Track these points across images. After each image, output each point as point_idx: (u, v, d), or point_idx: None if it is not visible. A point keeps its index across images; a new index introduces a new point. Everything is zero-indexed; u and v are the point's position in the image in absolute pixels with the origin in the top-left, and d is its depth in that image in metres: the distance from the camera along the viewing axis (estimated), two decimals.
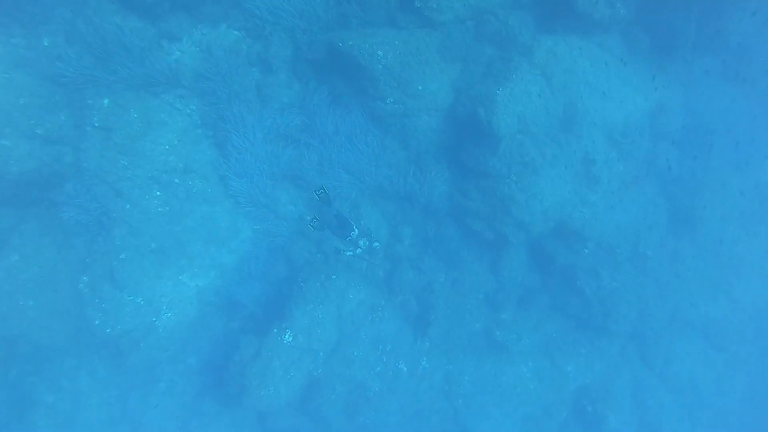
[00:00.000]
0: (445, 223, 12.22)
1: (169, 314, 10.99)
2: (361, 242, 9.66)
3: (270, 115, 10.91)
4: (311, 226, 9.66)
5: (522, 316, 13.00)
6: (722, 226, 14.65)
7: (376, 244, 10.02)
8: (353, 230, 9.56)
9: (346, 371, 11.50)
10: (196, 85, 10.61)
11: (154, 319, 10.88)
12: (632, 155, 13.10)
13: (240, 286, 11.63)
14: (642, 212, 13.52)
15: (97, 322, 10.55)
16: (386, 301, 12.04)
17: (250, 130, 10.73)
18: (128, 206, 10.36)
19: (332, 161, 11.27)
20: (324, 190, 9.65)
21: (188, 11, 10.55)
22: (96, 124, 10.17)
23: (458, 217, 12.21)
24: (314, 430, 11.98)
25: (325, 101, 11.10)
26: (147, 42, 10.31)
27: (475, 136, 11.38)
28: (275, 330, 11.01)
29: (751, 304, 15.62)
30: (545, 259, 12.93)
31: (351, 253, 9.84)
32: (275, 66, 10.80)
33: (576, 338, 13.62)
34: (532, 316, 13.06)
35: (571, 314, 13.39)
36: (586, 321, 13.39)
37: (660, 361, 14.73)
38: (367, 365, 11.71)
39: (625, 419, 14.07)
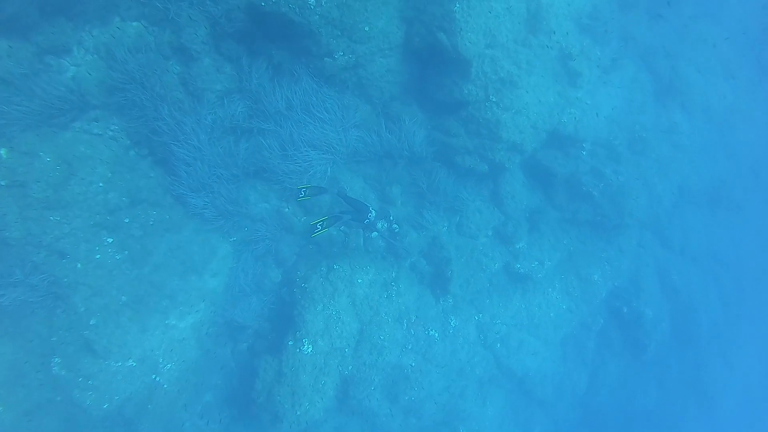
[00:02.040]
0: (434, 169, 11.28)
1: (169, 365, 9.92)
2: (379, 225, 8.89)
3: (208, 111, 9.38)
4: (319, 227, 8.74)
5: (537, 240, 12.55)
6: (706, 82, 14.33)
7: (396, 226, 9.25)
8: (370, 212, 8.99)
9: (378, 359, 10.81)
10: (110, 100, 8.90)
11: (153, 376, 9.80)
12: (606, 36, 12.36)
13: (236, 307, 10.58)
14: (628, 94, 12.98)
15: (88, 402, 9.34)
16: (397, 272, 11.25)
17: (191, 135, 9.22)
18: (79, 265, 8.93)
19: (294, 141, 9.98)
20: (306, 188, 8.78)
21: (65, 13, 8.62)
22: (2, 183, 8.48)
23: (446, 159, 11.31)
24: (361, 425, 11.48)
25: (266, 76, 9.63)
26: (27, 65, 8.45)
27: (441, 65, 10.31)
28: (290, 342, 10.15)
29: (748, 155, 15.70)
30: (545, 174, 12.32)
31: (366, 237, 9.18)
32: (195, 51, 9.10)
33: (595, 244, 13.35)
34: (546, 236, 12.63)
35: (583, 222, 13.01)
36: (600, 224, 13.07)
37: (678, 238, 14.78)
38: (397, 345, 11.04)
39: (660, 308, 14.19)
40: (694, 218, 15.01)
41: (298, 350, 10.10)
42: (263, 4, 8.88)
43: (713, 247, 15.43)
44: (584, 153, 12.27)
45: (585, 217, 12.86)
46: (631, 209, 12.88)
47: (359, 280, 10.74)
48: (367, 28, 9.70)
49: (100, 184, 8.95)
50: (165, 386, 9.98)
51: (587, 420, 14.88)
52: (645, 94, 13.24)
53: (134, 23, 8.98)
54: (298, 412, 10.04)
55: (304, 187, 9.27)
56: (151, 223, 9.51)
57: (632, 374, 14.77)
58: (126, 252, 9.32)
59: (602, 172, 12.43)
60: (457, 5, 9.70)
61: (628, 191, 12.79)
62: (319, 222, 8.94)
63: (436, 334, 11.58)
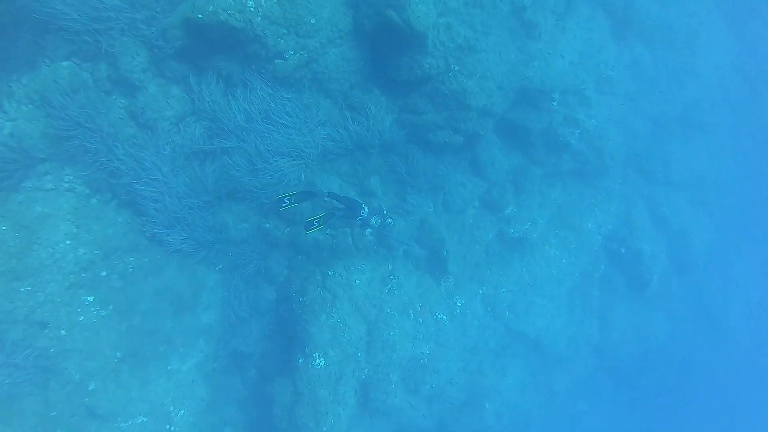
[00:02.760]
0: (409, 152, 10.99)
1: (182, 411, 9.61)
2: (372, 220, 8.84)
3: (165, 140, 8.86)
4: (311, 226, 8.88)
5: (525, 200, 12.50)
6: (662, 7, 14.33)
7: (390, 220, 9.13)
8: (363, 209, 8.96)
9: (391, 355, 10.68)
10: (58, 150, 8.35)
11: (168, 426, 9.49)
12: None
13: (236, 336, 10.30)
14: (587, 36, 12.83)
15: None
16: (392, 264, 11.07)
17: (153, 170, 8.73)
18: (63, 332, 8.47)
19: (261, 153, 9.54)
20: (287, 198, 8.85)
21: None
22: None
23: (419, 139, 11.00)
24: (387, 423, 11.38)
25: (218, 91, 9.13)
26: None
27: (396, 44, 9.93)
28: (300, 360, 9.96)
29: (714, 73, 15.87)
30: (520, 132, 12.17)
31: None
32: (137, 80, 8.54)
33: (582, 192, 13.38)
34: (533, 195, 12.60)
35: (567, 172, 13.00)
36: (583, 171, 13.09)
37: (660, 170, 14.95)
38: (407, 337, 10.91)
39: (655, 242, 14.37)
40: (672, 147, 15.15)
41: (310, 366, 9.91)
42: (200, 15, 8.34)
43: (694, 171, 15.63)
44: (555, 104, 12.12)
45: (567, 167, 12.82)
46: (611, 150, 12.91)
47: (357, 281, 10.54)
48: (313, 21, 9.27)
49: (67, 242, 8.46)
50: None
51: (605, 365, 15.14)
52: (603, 33, 13.14)
53: (65, 63, 8.36)
54: (324, 429, 9.90)
55: (285, 196, 8.97)
56: (130, 270, 9.07)
57: (640, 312, 15.03)
58: (110, 306, 8.89)
59: (576, 119, 12.32)
60: None
61: (605, 133, 12.78)
62: (314, 219, 8.71)
63: (444, 317, 11.50)
